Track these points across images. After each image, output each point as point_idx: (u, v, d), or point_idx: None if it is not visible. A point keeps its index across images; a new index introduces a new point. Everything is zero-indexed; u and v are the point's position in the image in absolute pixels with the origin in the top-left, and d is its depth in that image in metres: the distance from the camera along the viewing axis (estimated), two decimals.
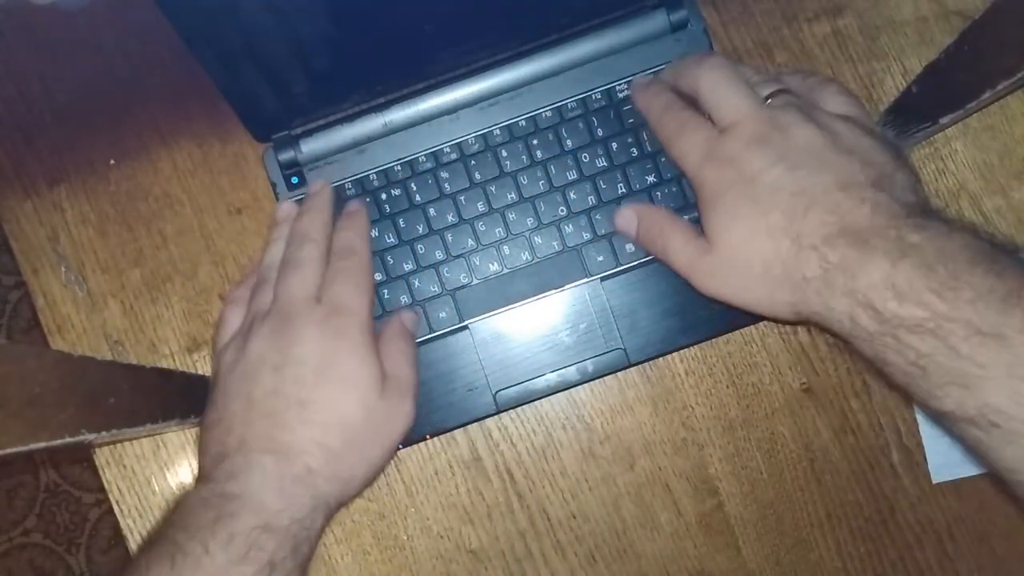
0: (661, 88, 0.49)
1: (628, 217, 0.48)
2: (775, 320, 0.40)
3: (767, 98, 0.43)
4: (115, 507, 0.53)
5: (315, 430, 0.42)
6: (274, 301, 0.46)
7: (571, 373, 0.51)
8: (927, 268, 0.34)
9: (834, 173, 0.39)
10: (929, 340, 0.33)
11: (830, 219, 0.38)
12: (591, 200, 0.51)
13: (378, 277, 0.52)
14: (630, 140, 0.51)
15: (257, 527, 0.39)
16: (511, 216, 0.52)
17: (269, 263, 0.49)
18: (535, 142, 0.52)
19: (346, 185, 0.52)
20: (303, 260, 0.46)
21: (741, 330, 0.52)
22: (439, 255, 0.52)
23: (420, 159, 0.52)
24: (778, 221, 0.39)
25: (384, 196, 0.52)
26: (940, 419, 0.35)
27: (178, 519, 0.40)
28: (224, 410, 0.43)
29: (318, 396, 0.42)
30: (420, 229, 0.52)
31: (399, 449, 0.51)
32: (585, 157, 0.52)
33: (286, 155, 0.52)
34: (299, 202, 0.51)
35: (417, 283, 0.52)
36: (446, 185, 0.52)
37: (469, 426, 0.52)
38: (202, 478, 0.42)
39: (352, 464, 0.43)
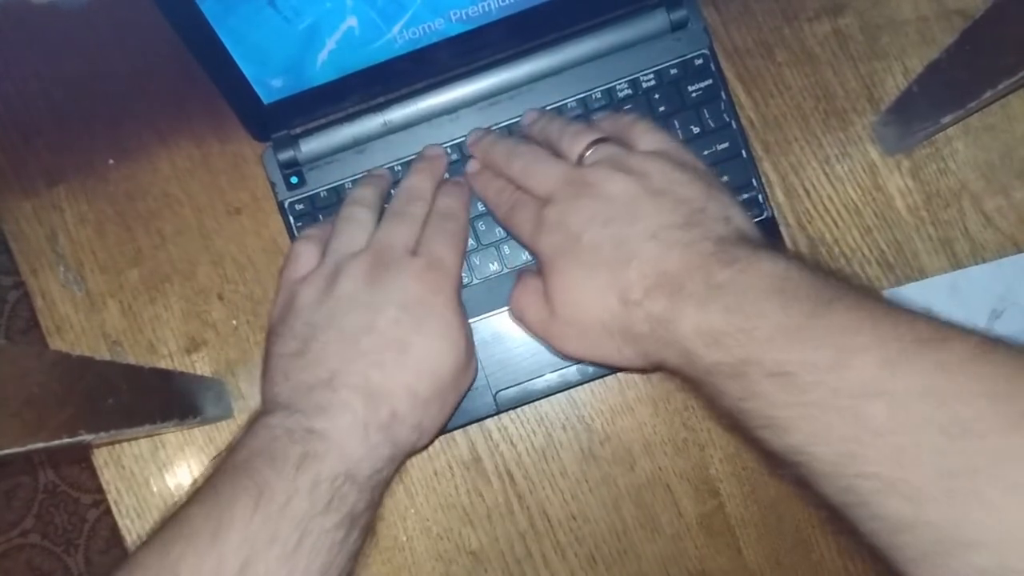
0: (489, 175, 0.49)
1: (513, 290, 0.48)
2: (635, 371, 0.41)
3: (583, 152, 0.44)
4: (113, 508, 0.53)
5: (408, 375, 0.41)
6: (370, 245, 0.45)
7: (571, 373, 0.51)
8: (729, 310, 0.34)
9: (646, 219, 0.39)
10: (736, 385, 0.33)
11: (647, 270, 0.38)
12: None
13: None
14: None
15: (340, 475, 0.38)
16: None
17: (356, 202, 0.48)
18: None
19: (346, 185, 0.52)
20: (411, 215, 0.46)
21: None
22: None
23: None
24: (604, 280, 0.39)
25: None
26: (770, 461, 0.34)
27: (261, 445, 0.38)
28: (310, 340, 0.42)
29: (415, 340, 0.42)
30: None
31: None
32: None
33: (285, 155, 0.52)
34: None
35: None
36: None
37: (469, 426, 0.52)
38: (282, 405, 0.41)
39: (434, 414, 0.43)
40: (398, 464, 0.42)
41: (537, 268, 0.45)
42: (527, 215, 0.44)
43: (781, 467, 0.33)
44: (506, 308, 0.51)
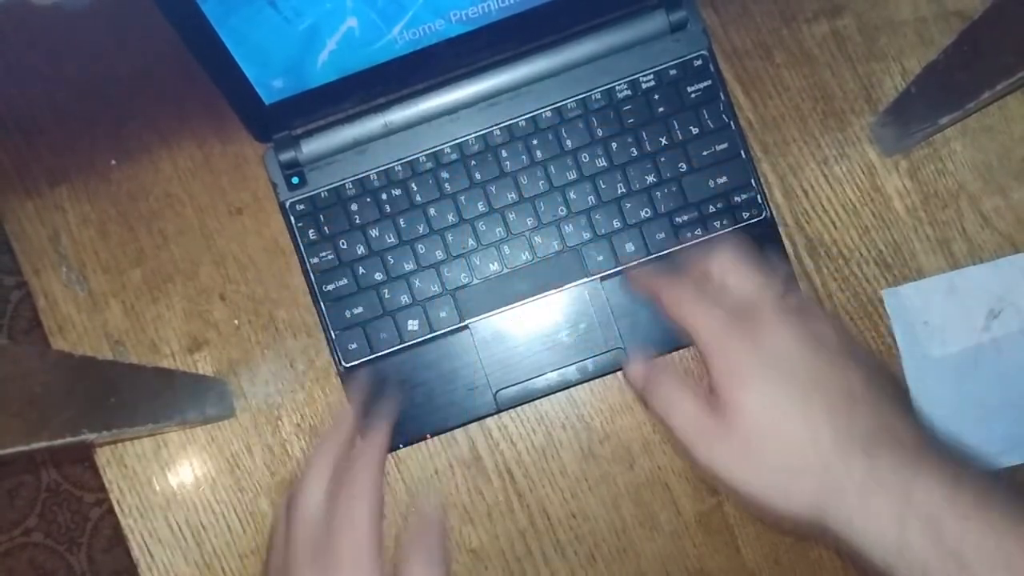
0: (664, 270, 0.45)
1: (636, 373, 0.43)
2: (776, 517, 0.36)
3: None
4: (116, 507, 0.53)
5: None
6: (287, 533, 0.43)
7: (571, 372, 0.51)
8: (984, 496, 0.32)
9: (871, 374, 0.37)
10: (989, 572, 0.31)
11: (877, 422, 0.35)
12: (591, 200, 0.51)
13: (378, 277, 0.52)
14: (630, 140, 0.51)
15: None
16: (511, 216, 0.52)
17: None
18: (535, 142, 0.52)
19: (347, 185, 0.52)
20: (307, 488, 0.43)
21: None
22: (439, 255, 0.52)
23: (420, 159, 0.52)
24: (820, 408, 0.36)
25: (384, 196, 0.52)
26: None
27: None
28: None
29: None
30: (420, 229, 0.52)
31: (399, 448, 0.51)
32: (585, 157, 0.52)
33: (287, 155, 0.52)
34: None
35: (417, 283, 0.52)
36: (446, 185, 0.52)
37: (469, 426, 0.52)
38: None
39: None
40: None
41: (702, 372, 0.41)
42: (717, 309, 0.40)
43: None
44: (506, 308, 0.51)
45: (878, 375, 0.37)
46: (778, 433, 0.36)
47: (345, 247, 0.52)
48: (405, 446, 0.52)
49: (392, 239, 0.52)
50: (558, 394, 0.52)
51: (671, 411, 0.39)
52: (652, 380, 0.41)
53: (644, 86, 0.52)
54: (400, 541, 0.43)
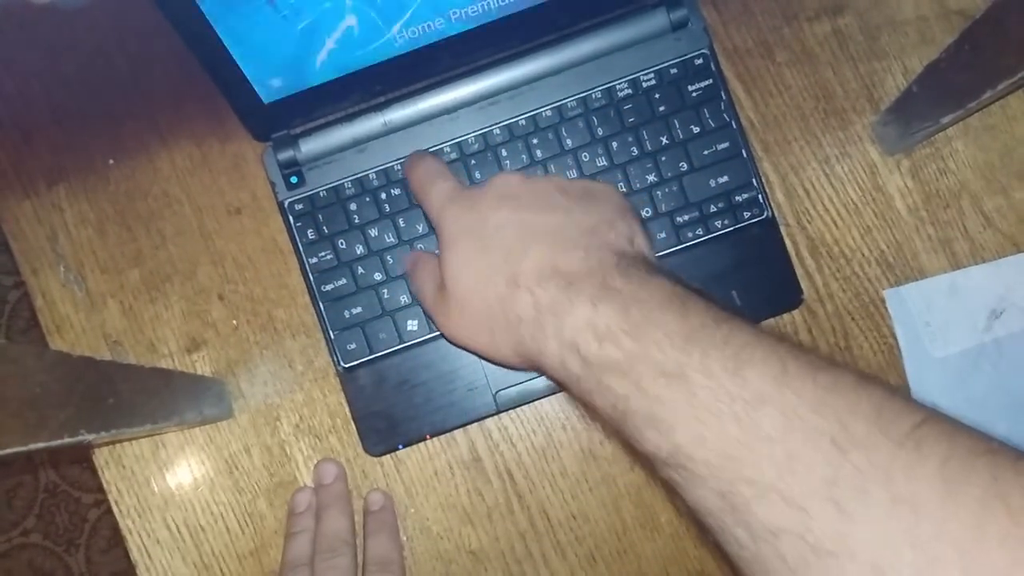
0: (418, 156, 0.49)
1: (406, 260, 0.50)
2: (505, 366, 0.40)
3: None
4: (114, 507, 0.53)
5: None
6: None
7: None
8: (623, 310, 0.34)
9: (557, 216, 0.39)
10: (624, 382, 0.33)
11: (544, 261, 0.37)
12: None
13: (378, 277, 0.52)
14: (630, 139, 0.51)
15: None
16: None
17: (293, 560, 0.49)
18: (535, 141, 0.52)
19: (346, 184, 0.52)
20: (341, 568, 0.48)
21: None
22: None
23: None
24: (498, 260, 0.39)
25: (384, 195, 0.52)
26: (644, 461, 0.34)
27: None
28: None
29: None
30: (420, 229, 0.52)
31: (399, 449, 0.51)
32: (585, 156, 0.51)
33: (285, 154, 0.52)
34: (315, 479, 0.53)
35: None
36: None
37: (469, 426, 0.52)
38: None
39: None
40: None
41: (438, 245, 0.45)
42: (445, 187, 0.44)
43: (658, 469, 0.33)
44: None
45: (572, 212, 0.39)
46: (474, 296, 0.39)
47: (344, 247, 0.52)
48: (405, 447, 0.52)
49: (391, 239, 0.52)
50: (558, 395, 0.52)
51: (418, 289, 0.46)
52: (413, 269, 0.47)
53: (645, 85, 0.52)
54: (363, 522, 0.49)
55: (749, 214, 0.51)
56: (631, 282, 0.35)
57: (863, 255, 0.53)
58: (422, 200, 0.46)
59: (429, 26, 0.47)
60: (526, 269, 0.37)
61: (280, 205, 0.53)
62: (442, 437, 0.52)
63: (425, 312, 0.46)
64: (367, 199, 0.52)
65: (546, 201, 0.40)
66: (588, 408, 0.36)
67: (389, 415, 0.51)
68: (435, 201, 0.43)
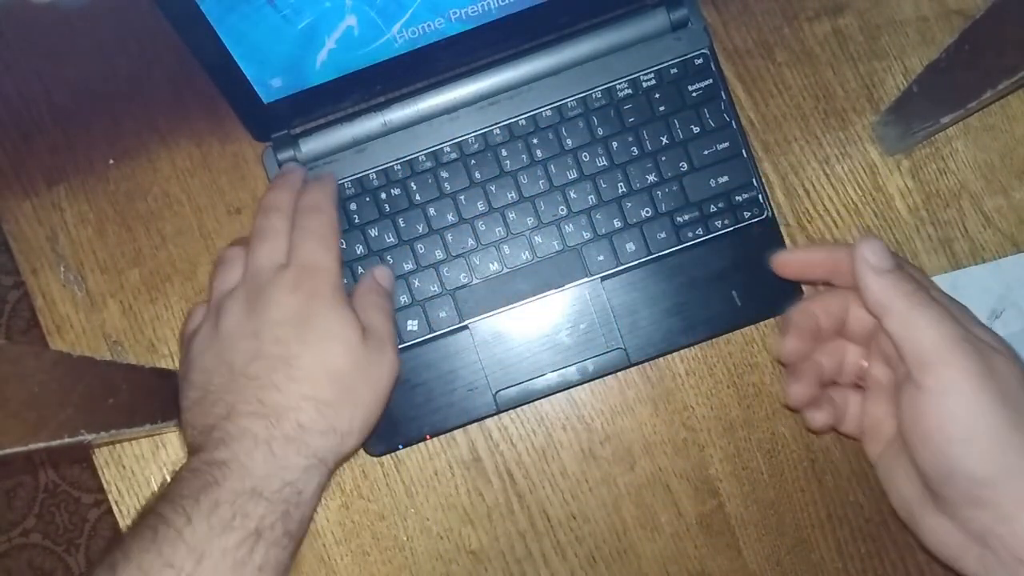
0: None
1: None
2: (965, 489, 0.37)
3: None
4: (114, 507, 0.53)
5: (304, 385, 0.42)
6: (243, 275, 0.46)
7: (571, 373, 0.51)
8: None
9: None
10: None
11: None
12: (591, 200, 0.51)
13: None
14: (630, 139, 0.51)
15: (243, 493, 0.39)
16: (511, 215, 0.52)
17: (267, 209, 0.48)
18: (535, 141, 0.52)
19: (346, 184, 0.52)
20: (268, 230, 0.47)
21: (742, 330, 0.52)
22: (439, 255, 0.52)
23: (420, 158, 0.52)
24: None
25: (384, 195, 0.52)
26: None
27: (167, 491, 0.39)
28: (207, 385, 0.43)
29: (301, 351, 0.42)
30: (420, 229, 0.52)
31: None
32: (585, 156, 0.51)
33: (285, 155, 0.52)
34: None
35: (417, 283, 0.51)
36: (446, 184, 0.52)
37: (469, 426, 0.52)
38: (192, 450, 0.42)
39: (346, 414, 0.43)
40: (322, 472, 0.43)
41: None
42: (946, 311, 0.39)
43: None
44: (506, 308, 0.51)
45: None
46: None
47: (344, 247, 0.52)
48: (404, 447, 0.52)
49: (391, 239, 0.52)
50: (558, 395, 0.52)
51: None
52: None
53: (645, 85, 0.52)
54: (354, 294, 0.48)
55: (749, 214, 0.51)
56: None
57: None
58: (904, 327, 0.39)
59: (429, 26, 0.48)
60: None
61: None
62: (442, 437, 0.52)
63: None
64: (367, 199, 0.52)
65: None
66: None
67: (389, 415, 0.51)
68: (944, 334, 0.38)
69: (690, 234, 0.51)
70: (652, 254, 0.51)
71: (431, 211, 0.52)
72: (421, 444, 0.52)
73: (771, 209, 0.51)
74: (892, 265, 0.39)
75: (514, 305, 0.51)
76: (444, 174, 0.52)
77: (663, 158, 0.51)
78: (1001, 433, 0.35)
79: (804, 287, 0.50)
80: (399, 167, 0.52)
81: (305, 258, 0.45)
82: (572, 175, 0.51)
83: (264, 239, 0.46)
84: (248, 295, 0.45)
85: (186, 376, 0.45)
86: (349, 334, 0.44)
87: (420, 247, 0.52)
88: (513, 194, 0.52)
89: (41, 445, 0.34)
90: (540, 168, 0.52)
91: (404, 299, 0.51)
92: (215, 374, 0.43)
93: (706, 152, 0.51)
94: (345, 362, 0.43)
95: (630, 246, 0.51)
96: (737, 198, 0.51)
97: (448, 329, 0.51)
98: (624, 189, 0.51)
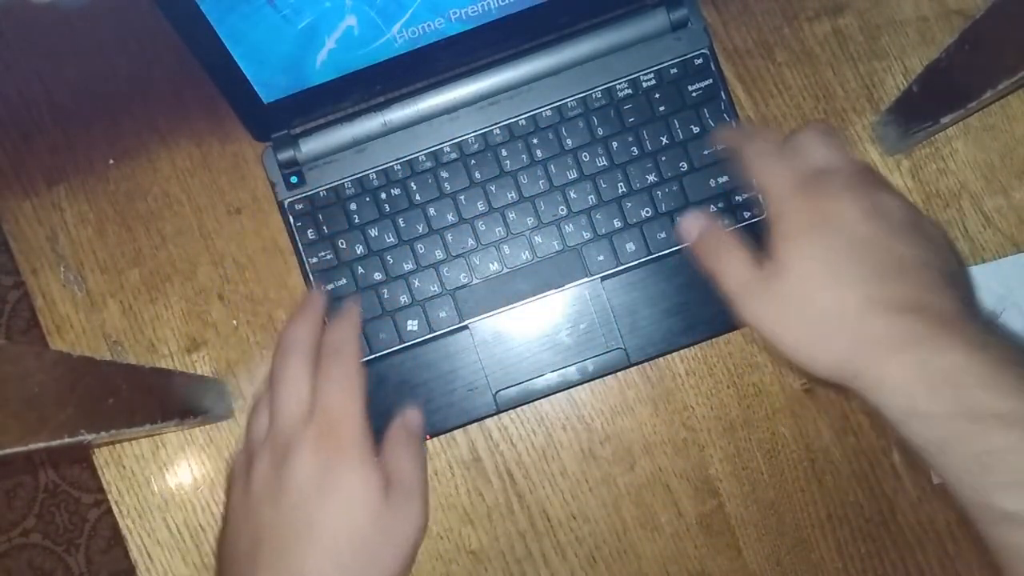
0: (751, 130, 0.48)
1: (689, 227, 0.45)
2: (806, 370, 0.39)
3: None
4: (114, 507, 0.53)
5: (325, 549, 0.41)
6: (270, 425, 0.45)
7: (571, 373, 0.51)
8: (1005, 364, 0.34)
9: (921, 252, 0.38)
10: (1005, 434, 0.33)
11: (912, 292, 0.37)
12: (591, 199, 0.51)
13: (378, 277, 0.52)
14: (630, 139, 0.51)
15: None
16: (511, 215, 0.52)
17: (286, 352, 0.46)
18: (535, 141, 0.52)
19: (346, 184, 0.52)
20: (289, 377, 0.45)
21: (742, 330, 0.52)
22: (439, 255, 0.52)
23: (420, 158, 0.52)
24: (860, 275, 0.38)
25: (384, 195, 0.52)
26: (994, 517, 0.34)
27: None
28: (235, 547, 0.43)
29: (321, 516, 0.42)
30: (420, 229, 0.52)
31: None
32: (585, 156, 0.51)
33: (285, 154, 0.52)
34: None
35: (417, 283, 0.51)
36: (446, 184, 0.52)
37: (469, 426, 0.52)
38: None
39: (368, 574, 0.42)
40: None
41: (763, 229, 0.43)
42: (789, 170, 0.41)
43: (1012, 531, 0.33)
44: (506, 308, 0.51)
45: (937, 256, 0.38)
46: (812, 293, 0.38)
47: (344, 247, 0.52)
48: None
49: (391, 239, 0.52)
50: (558, 395, 0.52)
51: (720, 264, 0.42)
52: (706, 233, 0.44)
53: (645, 85, 0.52)
54: (385, 439, 0.46)
55: (749, 214, 0.51)
56: (999, 340, 0.35)
57: None
58: (760, 173, 0.43)
59: (429, 26, 0.47)
60: (891, 293, 0.37)
61: (280, 205, 0.53)
62: (442, 437, 0.52)
63: (720, 287, 0.42)
64: (367, 199, 0.52)
65: (912, 230, 0.39)
66: (918, 443, 0.36)
67: (389, 415, 0.51)
68: (782, 183, 0.41)
69: None
70: (652, 254, 0.51)
71: (431, 211, 0.52)
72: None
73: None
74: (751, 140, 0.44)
75: (514, 305, 0.51)
76: (444, 174, 0.52)
77: (663, 158, 0.51)
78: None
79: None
80: (399, 167, 0.52)
81: (328, 410, 0.43)
82: (572, 175, 0.51)
83: (285, 386, 0.45)
84: (273, 453, 0.44)
85: (226, 521, 0.45)
86: (369, 492, 0.42)
87: (420, 247, 0.52)
88: (513, 194, 0.52)
89: (41, 445, 0.34)
90: (540, 168, 0.52)
91: (404, 299, 0.51)
92: (242, 539, 0.43)
93: (706, 152, 0.51)
94: (365, 522, 0.42)
95: (630, 246, 0.51)
96: (737, 198, 0.51)
97: (448, 329, 0.51)
98: (624, 189, 0.51)
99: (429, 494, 0.46)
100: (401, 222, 0.52)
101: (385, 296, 0.51)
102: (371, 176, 0.52)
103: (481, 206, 0.52)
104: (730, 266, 0.42)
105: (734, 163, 0.44)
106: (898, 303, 0.37)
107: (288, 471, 0.42)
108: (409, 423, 0.48)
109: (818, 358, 0.38)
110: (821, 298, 0.38)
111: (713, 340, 0.52)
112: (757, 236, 0.51)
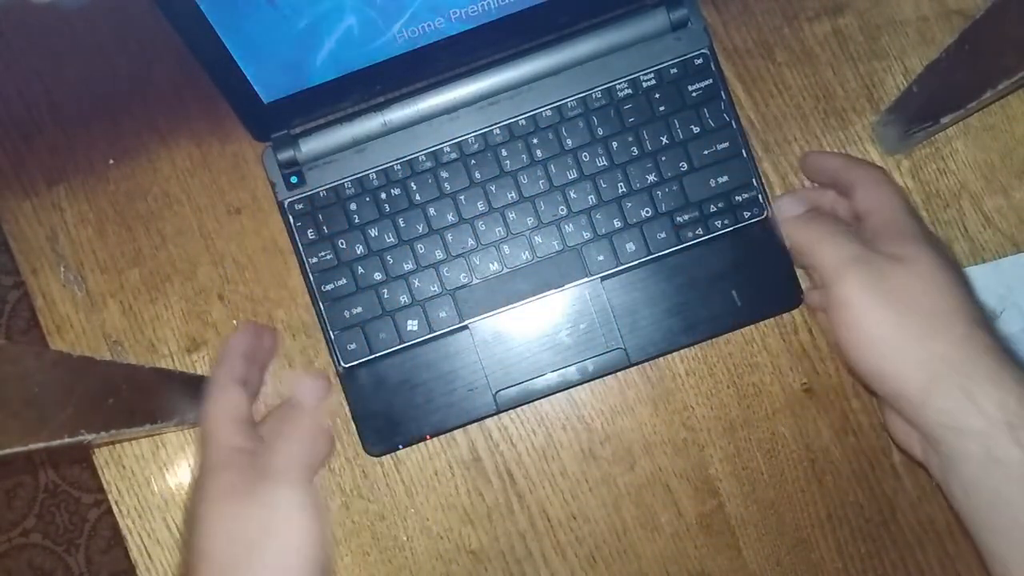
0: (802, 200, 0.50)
1: (791, 200, 0.50)
2: (866, 362, 0.42)
3: None
4: (114, 507, 0.53)
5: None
6: None
7: (571, 373, 0.51)
8: None
9: (968, 306, 0.42)
10: None
11: (977, 334, 0.40)
12: (591, 199, 0.51)
13: (378, 277, 0.52)
14: (630, 139, 0.51)
15: None
16: (511, 215, 0.52)
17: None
18: (535, 141, 0.52)
19: (346, 184, 0.52)
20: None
21: (742, 330, 0.52)
22: (439, 255, 0.52)
23: (420, 158, 0.52)
24: (974, 317, 0.41)
25: (384, 195, 0.52)
26: None
27: None
28: (186, 556, 0.43)
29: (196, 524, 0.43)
30: (420, 229, 0.52)
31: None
32: (585, 156, 0.51)
33: (285, 154, 0.52)
34: None
35: (417, 283, 0.51)
36: (446, 184, 0.52)
37: (469, 426, 0.52)
38: None
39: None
40: None
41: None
42: (848, 237, 0.44)
43: None
44: (506, 308, 0.51)
45: (973, 305, 0.42)
46: (931, 293, 0.41)
47: (344, 247, 0.52)
48: (405, 447, 0.52)
49: (391, 239, 0.52)
50: (558, 395, 0.52)
51: (826, 232, 0.45)
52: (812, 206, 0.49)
53: (645, 85, 0.52)
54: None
55: (749, 214, 0.51)
56: None
57: None
58: (811, 242, 0.45)
59: (429, 26, 0.47)
60: (984, 340, 0.40)
61: (280, 205, 0.53)
62: (442, 437, 0.52)
63: (816, 263, 0.45)
64: (367, 199, 0.52)
65: (961, 294, 0.42)
66: (955, 489, 0.40)
67: (389, 415, 0.51)
68: (838, 247, 0.44)
69: (690, 234, 0.51)
70: (652, 254, 0.51)
71: (431, 211, 0.52)
72: (421, 444, 0.52)
73: (771, 209, 0.51)
74: (802, 210, 0.49)
75: (514, 305, 0.51)
76: (444, 174, 0.52)
77: (663, 158, 0.51)
78: (893, 332, 0.41)
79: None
80: (399, 167, 0.52)
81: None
82: (572, 175, 0.51)
83: None
84: None
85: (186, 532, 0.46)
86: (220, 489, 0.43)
87: (420, 247, 0.52)
88: (513, 194, 0.52)
89: (41, 445, 0.34)
90: (540, 168, 0.52)
91: (404, 299, 0.51)
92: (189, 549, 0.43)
93: (706, 152, 0.51)
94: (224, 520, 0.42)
95: (630, 246, 0.51)
96: (737, 198, 0.51)
97: (448, 329, 0.51)
98: (624, 189, 0.51)
99: (322, 480, 0.46)
100: (401, 222, 0.52)
101: (385, 296, 0.51)
102: (371, 176, 0.52)
103: (481, 206, 0.52)
104: (837, 236, 0.44)
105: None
106: (964, 344, 0.40)
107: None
108: (302, 392, 0.49)
109: (895, 360, 0.41)
110: (932, 303, 0.41)
111: (713, 340, 0.52)
112: (757, 236, 0.51)
